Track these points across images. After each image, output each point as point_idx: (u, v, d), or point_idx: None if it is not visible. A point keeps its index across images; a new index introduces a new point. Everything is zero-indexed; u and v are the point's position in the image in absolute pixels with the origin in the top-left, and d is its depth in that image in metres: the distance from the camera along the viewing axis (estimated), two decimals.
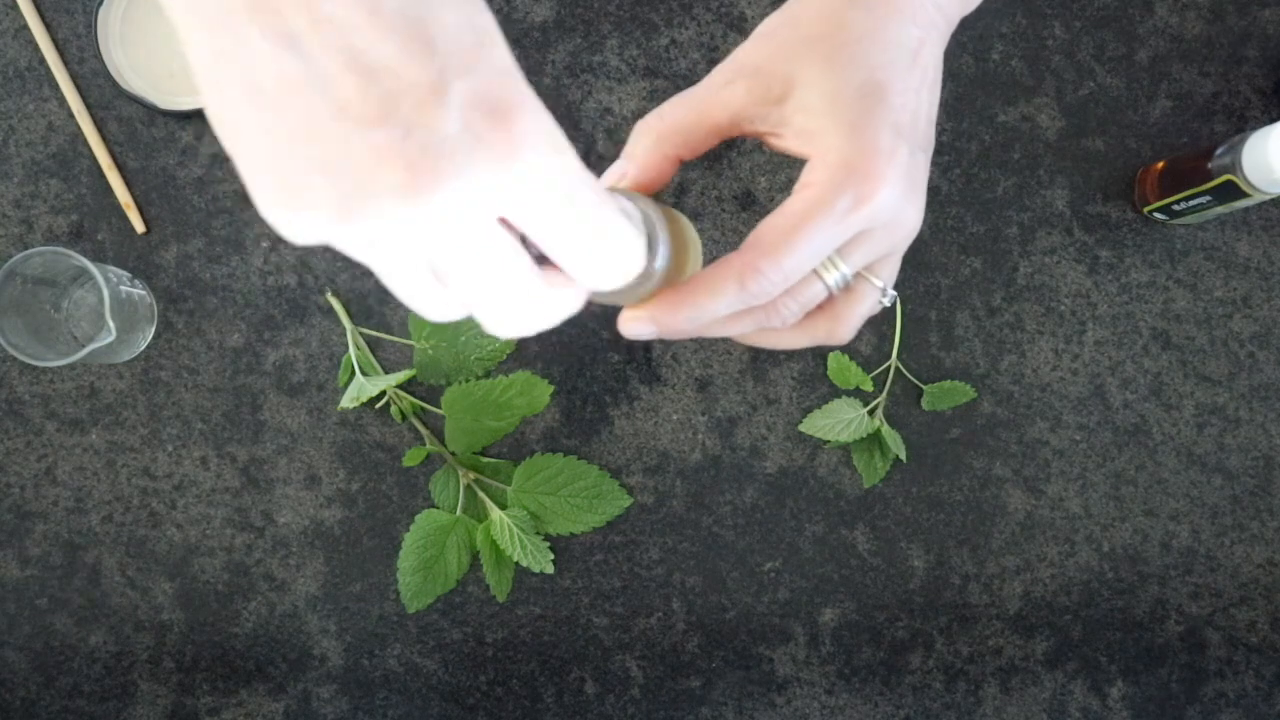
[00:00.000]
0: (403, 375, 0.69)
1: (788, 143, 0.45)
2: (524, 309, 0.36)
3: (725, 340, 0.73)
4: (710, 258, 0.73)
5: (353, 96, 0.29)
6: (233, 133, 0.31)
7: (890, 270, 0.48)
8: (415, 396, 0.72)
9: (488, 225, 0.33)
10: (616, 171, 0.48)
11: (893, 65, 0.44)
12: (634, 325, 0.46)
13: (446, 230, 0.32)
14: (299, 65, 0.29)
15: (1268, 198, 0.64)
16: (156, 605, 0.73)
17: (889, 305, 0.50)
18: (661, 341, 0.73)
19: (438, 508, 0.72)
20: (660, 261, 0.43)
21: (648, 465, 0.73)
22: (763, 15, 0.72)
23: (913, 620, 0.74)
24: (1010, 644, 0.74)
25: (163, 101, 0.71)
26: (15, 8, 0.72)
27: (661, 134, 0.47)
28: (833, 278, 0.46)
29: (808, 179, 0.44)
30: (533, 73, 0.73)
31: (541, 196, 0.33)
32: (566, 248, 0.35)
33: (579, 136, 0.73)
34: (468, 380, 0.71)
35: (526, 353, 0.73)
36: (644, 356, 0.73)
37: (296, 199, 0.31)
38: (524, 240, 0.36)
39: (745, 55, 0.47)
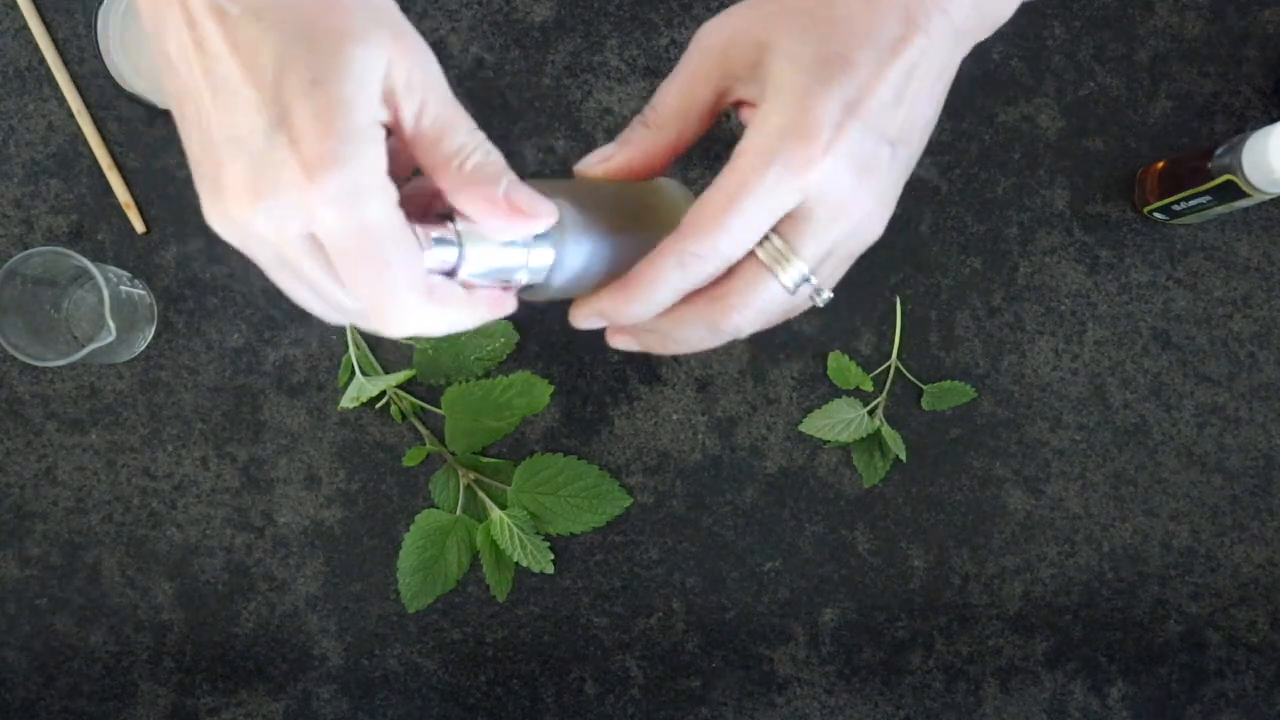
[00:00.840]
0: (403, 375, 0.69)
1: None
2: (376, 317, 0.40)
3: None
4: None
5: (212, 111, 0.36)
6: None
7: (832, 269, 0.45)
8: (415, 396, 0.72)
9: (302, 242, 0.38)
10: (603, 153, 0.46)
11: (867, 47, 0.42)
12: (582, 320, 0.45)
13: (276, 238, 0.38)
14: (188, 79, 0.37)
15: (1268, 198, 0.64)
16: (156, 605, 0.73)
17: (821, 306, 0.45)
18: None
19: (438, 508, 0.72)
20: (570, 264, 0.42)
21: (648, 465, 0.74)
22: None
23: (913, 620, 0.74)
24: (1010, 644, 0.74)
25: (163, 101, 0.71)
26: (15, 8, 0.72)
27: (656, 126, 0.45)
28: (790, 276, 0.43)
29: (742, 146, 0.42)
30: (533, 73, 0.73)
31: (334, 236, 0.37)
32: (348, 283, 0.39)
33: (579, 136, 0.73)
34: (468, 380, 0.71)
35: (526, 353, 0.73)
36: (644, 356, 0.73)
37: (197, 173, 0.38)
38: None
39: (726, 20, 0.45)
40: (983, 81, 0.74)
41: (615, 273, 0.44)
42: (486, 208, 0.39)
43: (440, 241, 0.39)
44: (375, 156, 0.37)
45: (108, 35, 0.71)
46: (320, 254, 0.38)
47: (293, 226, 0.37)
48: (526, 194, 0.40)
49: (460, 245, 0.40)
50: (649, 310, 0.44)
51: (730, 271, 0.44)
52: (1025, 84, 0.74)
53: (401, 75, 0.38)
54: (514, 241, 0.41)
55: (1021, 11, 0.74)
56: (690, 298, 0.44)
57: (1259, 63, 0.74)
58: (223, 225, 0.38)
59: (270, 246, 0.38)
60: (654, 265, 0.43)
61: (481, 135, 0.40)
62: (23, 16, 0.72)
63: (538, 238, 0.41)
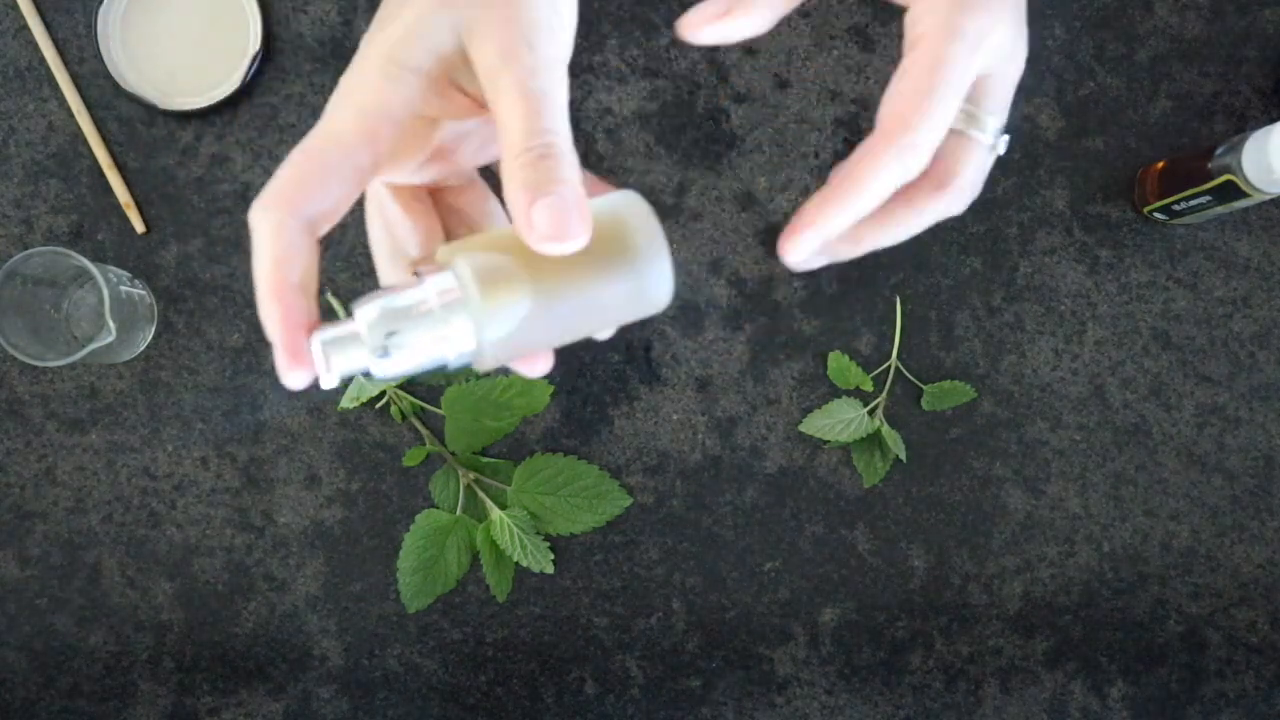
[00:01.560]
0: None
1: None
2: None
3: (725, 340, 0.73)
4: (711, 258, 0.73)
5: None
6: None
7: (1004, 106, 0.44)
8: (415, 396, 0.72)
9: None
10: (717, 7, 0.42)
11: None
12: (804, 254, 0.42)
13: None
14: None
15: (1268, 198, 0.64)
16: (156, 605, 0.73)
17: (1002, 151, 0.45)
18: (662, 341, 0.73)
19: (438, 508, 0.72)
20: (495, 332, 0.36)
21: (648, 465, 0.73)
22: None
23: (913, 620, 0.74)
24: (1010, 644, 0.74)
25: (163, 101, 0.71)
26: (15, 8, 0.72)
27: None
28: (990, 135, 0.43)
29: (919, 30, 0.41)
30: None
31: None
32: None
33: (579, 136, 0.73)
34: (468, 380, 0.71)
35: None
36: (644, 356, 0.73)
37: None
38: None
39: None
40: None
41: (568, 316, 0.37)
42: (524, 219, 0.35)
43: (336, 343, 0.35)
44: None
45: (108, 35, 0.71)
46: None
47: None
48: (569, 212, 0.35)
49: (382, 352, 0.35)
50: (862, 215, 0.42)
51: (937, 154, 0.43)
52: (1025, 84, 0.74)
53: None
54: (425, 325, 0.35)
55: None
56: (901, 194, 0.43)
57: (1259, 63, 0.74)
58: None
59: None
60: (868, 168, 0.41)
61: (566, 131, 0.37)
62: (23, 16, 0.72)
63: (448, 312, 0.35)
